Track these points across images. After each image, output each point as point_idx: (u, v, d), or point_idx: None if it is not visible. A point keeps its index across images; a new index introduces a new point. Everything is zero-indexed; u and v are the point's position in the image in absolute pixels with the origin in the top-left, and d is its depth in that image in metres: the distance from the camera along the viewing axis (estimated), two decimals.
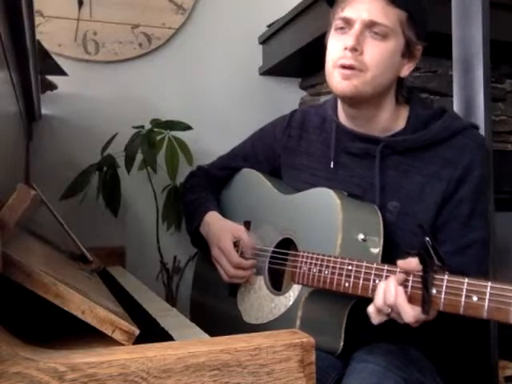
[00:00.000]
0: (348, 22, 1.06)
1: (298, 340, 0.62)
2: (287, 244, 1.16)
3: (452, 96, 1.30)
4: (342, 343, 1.04)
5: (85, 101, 1.84)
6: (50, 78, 1.63)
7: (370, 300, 0.94)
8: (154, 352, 0.57)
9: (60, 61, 1.65)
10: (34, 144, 1.71)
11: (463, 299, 0.79)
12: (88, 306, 0.61)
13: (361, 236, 1.02)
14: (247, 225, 1.27)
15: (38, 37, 1.05)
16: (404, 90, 1.17)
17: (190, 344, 0.60)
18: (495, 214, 1.25)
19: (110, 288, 1.00)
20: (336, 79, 1.07)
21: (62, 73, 1.61)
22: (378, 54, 1.05)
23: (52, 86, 1.64)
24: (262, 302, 1.16)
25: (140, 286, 1.27)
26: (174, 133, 1.78)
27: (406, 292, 0.87)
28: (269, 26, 2.00)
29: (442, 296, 0.81)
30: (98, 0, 1.85)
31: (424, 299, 0.83)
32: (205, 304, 1.40)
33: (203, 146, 1.91)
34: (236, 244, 1.21)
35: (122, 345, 0.61)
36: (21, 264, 0.58)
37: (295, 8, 1.79)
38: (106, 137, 1.73)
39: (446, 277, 0.82)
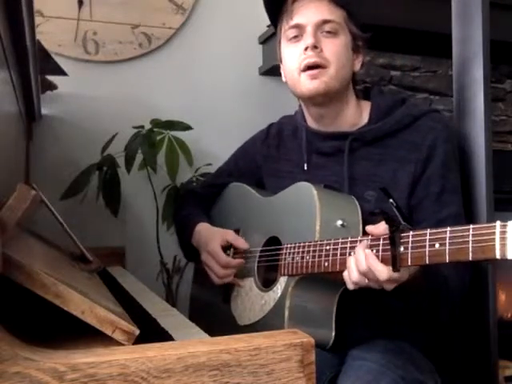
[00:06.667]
0: (300, 28, 1.13)
1: (297, 340, 0.62)
2: (275, 244, 1.17)
3: (452, 96, 1.30)
4: (333, 333, 1.03)
5: (85, 101, 1.84)
6: (50, 77, 1.63)
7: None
8: (153, 352, 0.57)
9: (60, 61, 1.65)
10: (34, 144, 1.71)
11: (427, 249, 0.81)
12: (88, 305, 0.60)
13: (339, 222, 1.03)
14: (236, 232, 1.28)
15: (38, 37, 1.05)
16: (360, 85, 1.23)
17: (190, 344, 0.60)
18: (495, 213, 1.25)
19: (110, 288, 1.00)
20: (305, 82, 1.12)
21: (62, 73, 1.62)
22: (334, 48, 1.12)
23: (52, 86, 1.64)
24: (254, 301, 1.16)
25: (140, 286, 1.27)
26: (173, 133, 1.78)
27: (377, 255, 0.88)
28: (269, 26, 2.00)
29: (409, 251, 0.83)
30: (98, 0, 1.86)
31: (393, 257, 0.84)
32: (201, 316, 1.39)
33: (203, 146, 1.92)
34: (225, 248, 1.21)
35: (122, 345, 0.61)
36: (21, 264, 0.58)
37: None
38: (106, 137, 1.73)
39: (410, 233, 0.84)
